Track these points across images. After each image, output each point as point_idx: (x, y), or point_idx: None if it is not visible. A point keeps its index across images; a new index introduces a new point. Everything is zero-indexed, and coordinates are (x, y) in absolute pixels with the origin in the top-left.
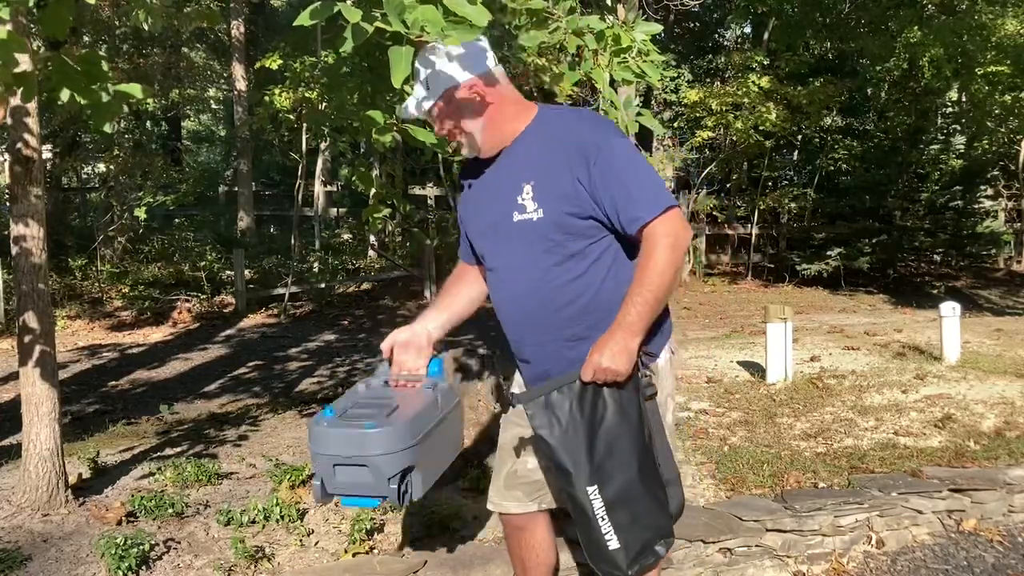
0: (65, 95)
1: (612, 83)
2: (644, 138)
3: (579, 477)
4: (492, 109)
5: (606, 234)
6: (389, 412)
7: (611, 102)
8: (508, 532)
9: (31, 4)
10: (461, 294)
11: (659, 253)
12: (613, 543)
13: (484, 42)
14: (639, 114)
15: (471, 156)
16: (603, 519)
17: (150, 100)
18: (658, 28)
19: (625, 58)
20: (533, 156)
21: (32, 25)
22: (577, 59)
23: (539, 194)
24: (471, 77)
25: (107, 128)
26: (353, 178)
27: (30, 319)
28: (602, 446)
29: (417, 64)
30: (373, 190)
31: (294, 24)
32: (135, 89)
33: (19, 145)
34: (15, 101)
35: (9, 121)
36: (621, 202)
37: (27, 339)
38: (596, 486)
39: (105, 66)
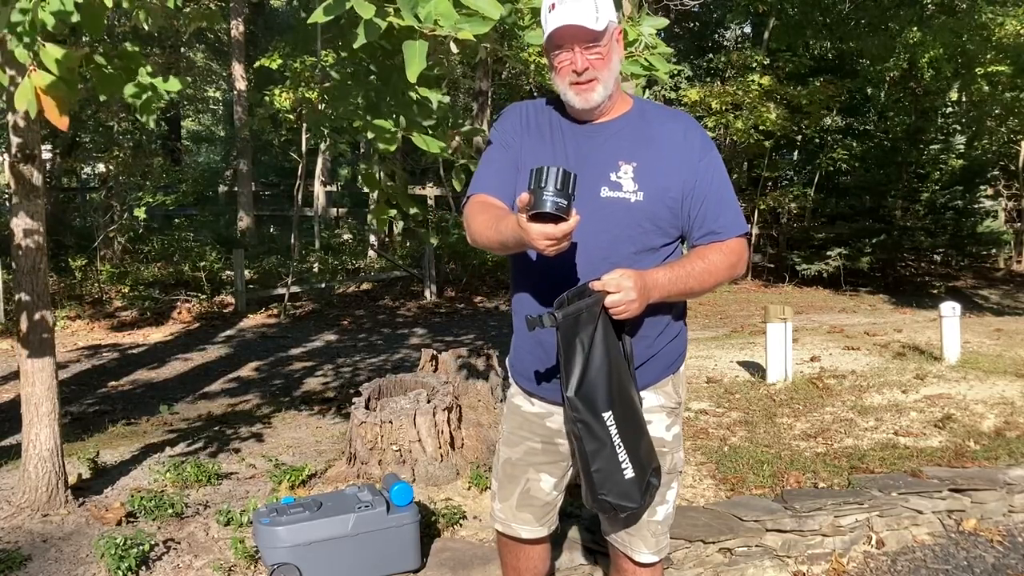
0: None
1: None
2: None
3: (600, 400)
4: (617, 66)
5: (678, 240)
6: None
7: None
8: (505, 543)
9: (71, 8)
10: None
11: (721, 259)
12: (628, 471)
13: None
14: None
15: (585, 106)
16: (619, 446)
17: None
18: (665, 22)
19: (631, 51)
20: (637, 140)
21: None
22: None
23: (641, 177)
24: (618, 23)
25: (151, 120)
26: (359, 179)
27: (30, 319)
28: (612, 371)
29: None
30: (378, 191)
31: (308, 21)
32: (174, 84)
33: (20, 145)
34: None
35: (17, 122)
36: (710, 214)
37: (27, 339)
38: (610, 412)
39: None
